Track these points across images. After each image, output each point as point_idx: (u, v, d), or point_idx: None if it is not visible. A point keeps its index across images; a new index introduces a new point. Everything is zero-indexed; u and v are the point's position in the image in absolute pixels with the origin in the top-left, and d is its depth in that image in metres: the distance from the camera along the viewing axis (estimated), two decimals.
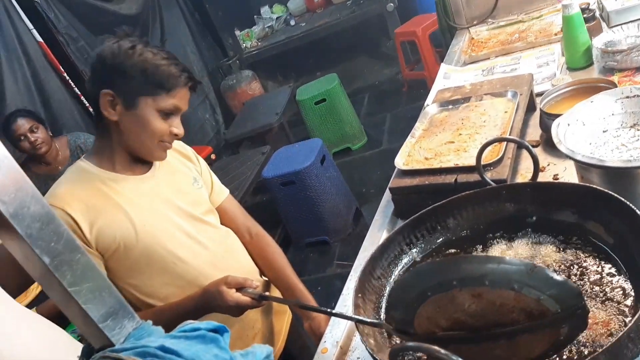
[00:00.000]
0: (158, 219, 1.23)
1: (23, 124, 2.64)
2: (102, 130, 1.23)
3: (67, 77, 3.50)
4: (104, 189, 1.19)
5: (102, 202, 1.17)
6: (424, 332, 0.73)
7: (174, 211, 1.27)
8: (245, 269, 1.38)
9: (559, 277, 0.72)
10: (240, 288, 1.16)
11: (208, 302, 1.18)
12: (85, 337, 0.65)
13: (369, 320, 0.83)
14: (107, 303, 0.63)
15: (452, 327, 0.72)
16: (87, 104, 3.59)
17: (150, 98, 1.16)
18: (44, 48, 3.37)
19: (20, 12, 3.23)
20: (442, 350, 0.62)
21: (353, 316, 0.84)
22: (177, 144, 1.40)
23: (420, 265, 0.80)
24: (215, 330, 0.62)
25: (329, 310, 0.98)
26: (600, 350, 0.63)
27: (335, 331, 1.15)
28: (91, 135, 3.03)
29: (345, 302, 1.22)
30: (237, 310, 1.17)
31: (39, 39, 3.34)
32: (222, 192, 1.46)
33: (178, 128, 1.22)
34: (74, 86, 3.53)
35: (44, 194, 2.70)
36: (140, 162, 1.27)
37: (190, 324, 0.62)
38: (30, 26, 3.29)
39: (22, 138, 2.65)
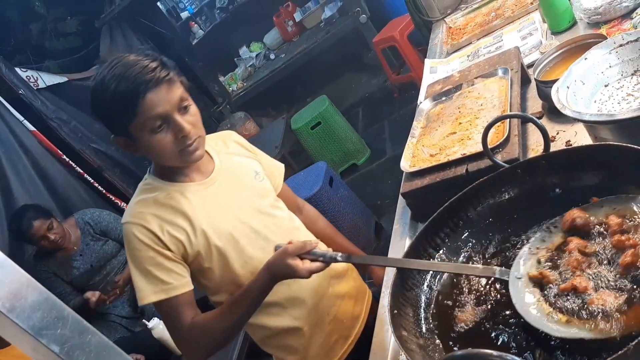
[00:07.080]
0: (226, 222, 1.24)
1: (40, 226, 2.65)
2: None
3: (67, 159, 3.52)
4: (171, 202, 1.21)
5: (171, 215, 1.20)
6: None
7: (241, 210, 1.27)
8: None
9: None
10: (303, 254, 1.11)
11: (277, 274, 1.13)
12: None
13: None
14: None
15: None
16: (92, 180, 3.61)
17: (132, 125, 1.10)
18: (38, 136, 3.40)
19: (7, 106, 3.27)
20: (495, 353, 0.57)
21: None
22: (231, 135, 1.41)
23: None
24: None
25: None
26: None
27: (380, 356, 1.09)
28: (97, 210, 3.05)
29: (384, 320, 1.17)
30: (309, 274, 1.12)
31: (32, 128, 3.38)
32: (280, 174, 1.47)
33: (180, 128, 1.13)
34: (75, 166, 3.55)
35: (67, 275, 2.68)
36: (197, 168, 1.27)
37: None
38: (20, 117, 3.33)
39: (42, 239, 2.68)
